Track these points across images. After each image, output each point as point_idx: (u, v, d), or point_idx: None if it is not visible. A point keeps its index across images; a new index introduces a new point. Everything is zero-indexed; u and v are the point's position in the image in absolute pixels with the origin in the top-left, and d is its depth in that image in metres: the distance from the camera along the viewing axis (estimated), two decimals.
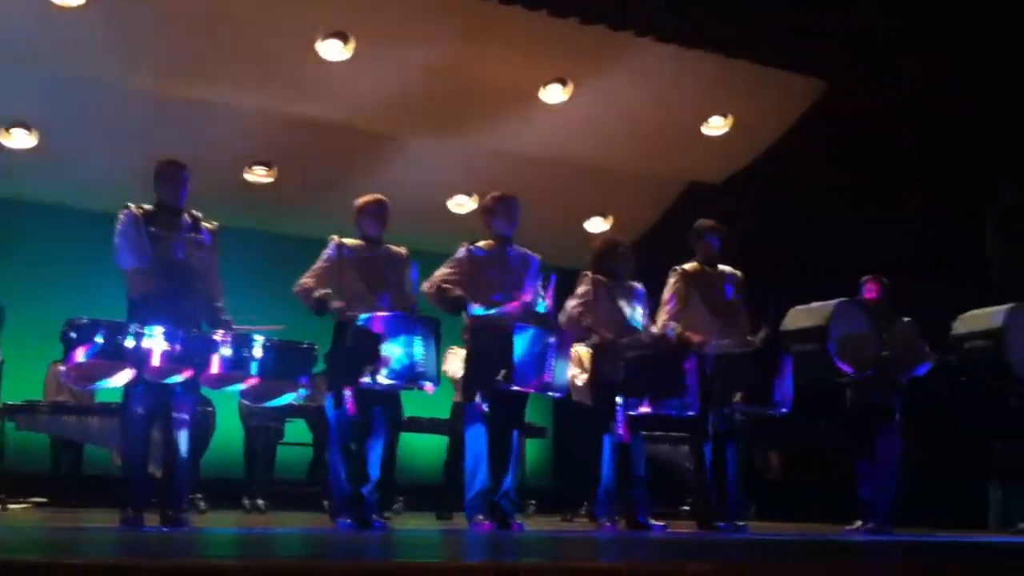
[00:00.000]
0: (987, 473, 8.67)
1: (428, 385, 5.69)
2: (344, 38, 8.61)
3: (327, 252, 5.97)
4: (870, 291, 7.32)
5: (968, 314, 7.32)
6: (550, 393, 5.97)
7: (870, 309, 7.11)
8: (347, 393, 5.61)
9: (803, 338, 6.86)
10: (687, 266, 6.75)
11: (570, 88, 9.43)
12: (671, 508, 8.08)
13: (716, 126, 10.12)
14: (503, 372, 5.70)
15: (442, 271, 6.06)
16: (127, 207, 5.61)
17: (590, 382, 6.54)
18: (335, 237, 6.01)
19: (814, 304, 7.04)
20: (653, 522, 6.34)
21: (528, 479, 9.25)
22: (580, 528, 7.01)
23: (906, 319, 7.33)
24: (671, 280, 6.72)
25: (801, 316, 7.01)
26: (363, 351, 5.55)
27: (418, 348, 5.61)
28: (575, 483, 7.73)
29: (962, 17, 8.40)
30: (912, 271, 8.11)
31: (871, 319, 7.04)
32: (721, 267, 6.81)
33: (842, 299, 7.02)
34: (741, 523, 6.60)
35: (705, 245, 6.77)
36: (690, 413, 6.30)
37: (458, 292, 5.92)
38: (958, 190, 9.07)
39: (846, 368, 6.84)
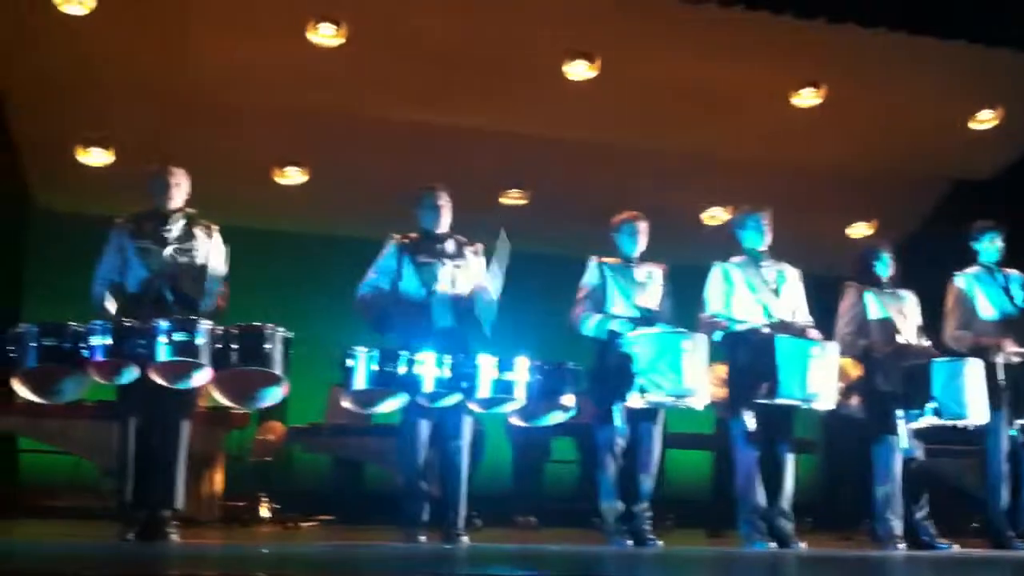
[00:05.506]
0: None
1: (693, 400, 5.60)
2: (590, 58, 8.58)
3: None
4: None
5: None
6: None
7: None
8: (617, 410, 5.60)
9: None
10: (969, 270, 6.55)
11: (824, 90, 9.07)
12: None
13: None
14: None
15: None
16: (391, 236, 5.81)
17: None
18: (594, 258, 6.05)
19: None
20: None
21: None
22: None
23: None
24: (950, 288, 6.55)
25: None
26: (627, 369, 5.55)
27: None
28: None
29: None
30: None
31: None
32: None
33: None
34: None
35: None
36: None
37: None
38: None
39: None
